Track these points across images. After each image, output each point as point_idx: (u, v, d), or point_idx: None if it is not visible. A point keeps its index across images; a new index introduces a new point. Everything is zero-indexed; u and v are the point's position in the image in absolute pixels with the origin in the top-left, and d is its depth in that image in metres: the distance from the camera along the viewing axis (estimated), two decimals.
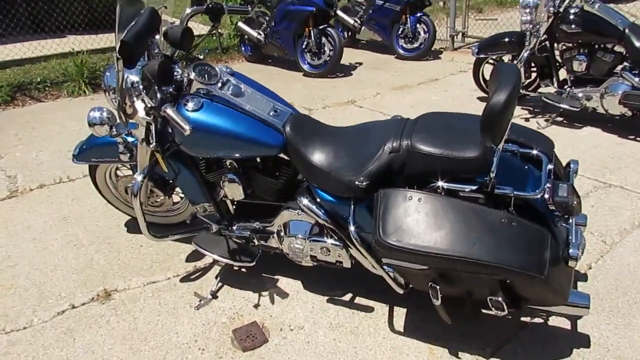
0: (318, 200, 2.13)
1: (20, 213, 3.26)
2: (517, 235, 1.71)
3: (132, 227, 3.01)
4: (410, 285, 2.07)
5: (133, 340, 2.20)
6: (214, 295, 2.44)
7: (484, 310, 2.04)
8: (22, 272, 2.68)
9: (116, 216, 3.12)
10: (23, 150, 4.24)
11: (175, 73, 2.18)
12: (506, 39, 4.53)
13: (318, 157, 2.08)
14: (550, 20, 4.20)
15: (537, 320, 2.20)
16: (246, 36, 6.78)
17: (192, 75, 2.13)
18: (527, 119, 4.53)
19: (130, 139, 2.41)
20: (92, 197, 3.29)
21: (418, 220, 1.77)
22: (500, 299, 1.75)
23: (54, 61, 6.31)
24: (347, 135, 2.16)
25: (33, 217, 3.21)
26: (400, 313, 2.28)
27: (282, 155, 2.23)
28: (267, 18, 6.48)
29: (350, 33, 7.55)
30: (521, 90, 4.55)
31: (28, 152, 4.21)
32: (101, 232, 3.01)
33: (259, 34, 6.50)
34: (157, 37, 2.24)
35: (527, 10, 4.19)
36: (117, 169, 2.85)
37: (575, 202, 1.86)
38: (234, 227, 2.43)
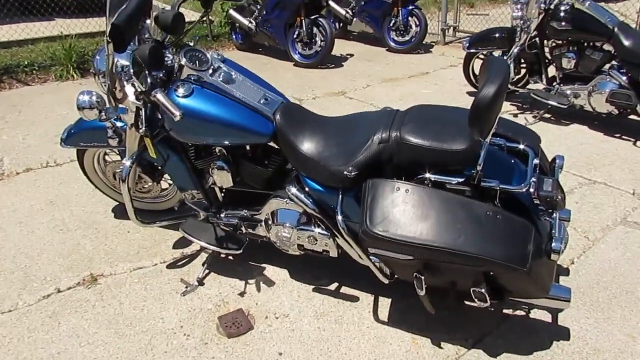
0: (307, 189, 2.14)
1: (6, 196, 3.23)
2: (501, 227, 1.74)
3: (119, 212, 3.00)
4: (396, 276, 2.10)
5: (118, 325, 2.20)
6: (201, 282, 2.44)
7: (467, 302, 2.07)
8: (7, 255, 2.66)
9: (104, 201, 3.10)
10: (10, 134, 4.20)
11: (166, 58, 2.17)
12: (497, 35, 4.55)
13: (307, 146, 2.08)
14: (540, 16, 4.22)
15: (519, 312, 2.24)
16: (237, 24, 6.73)
17: (183, 61, 2.12)
18: (515, 115, 4.57)
19: (119, 124, 2.40)
20: (79, 181, 3.27)
21: (405, 211, 1.79)
22: (483, 290, 1.78)
23: (41, 44, 6.22)
24: (337, 125, 2.17)
25: (19, 200, 3.18)
26: (385, 303, 2.31)
27: (271, 143, 2.23)
28: (259, 6, 6.44)
29: (342, 24, 7.52)
30: (510, 86, 4.59)
31: (15, 135, 4.17)
32: (88, 217, 3.00)
33: (250, 22, 6.46)
34: (148, 21, 2.22)
35: (518, 7, 4.22)
36: (105, 153, 2.83)
37: (559, 197, 1.89)
38: (222, 215, 2.43)
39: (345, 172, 1.95)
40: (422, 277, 1.85)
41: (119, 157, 2.80)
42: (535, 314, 2.23)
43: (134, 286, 2.44)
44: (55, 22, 6.82)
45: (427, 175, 1.90)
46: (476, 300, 1.83)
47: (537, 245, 1.75)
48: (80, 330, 2.18)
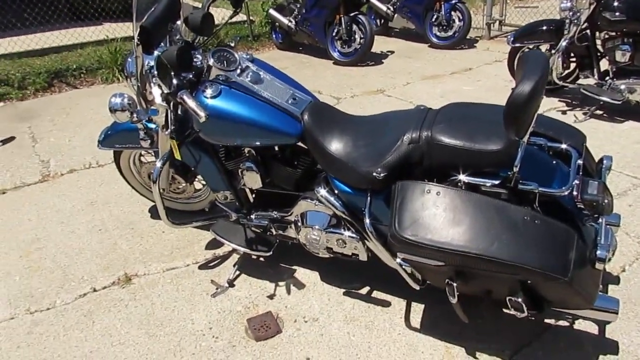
0: (335, 191, 2.08)
1: (50, 197, 3.34)
2: (540, 233, 1.62)
3: (155, 213, 3.04)
4: (427, 282, 2.01)
5: (149, 325, 2.22)
6: (231, 284, 2.43)
7: (504, 310, 1.95)
8: (48, 254, 2.74)
9: (141, 202, 3.15)
10: (57, 136, 4.35)
11: (195, 59, 2.16)
12: (544, 27, 4.34)
13: (336, 146, 2.03)
14: (592, 7, 3.99)
15: (562, 322, 2.10)
16: (277, 23, 6.74)
17: (211, 62, 2.11)
18: (564, 112, 4.35)
19: (151, 126, 2.41)
20: (118, 182, 3.34)
21: (436, 215, 1.70)
22: (520, 299, 1.67)
23: (89, 48, 6.43)
24: (367, 124, 2.10)
25: (62, 201, 3.28)
26: (417, 309, 2.23)
27: (300, 144, 2.19)
28: (299, 5, 6.42)
29: (382, 21, 7.42)
30: (559, 82, 4.37)
31: (62, 137, 4.31)
32: (125, 217, 3.05)
33: (290, 21, 6.45)
34: (179, 22, 2.22)
35: None
36: (141, 154, 2.87)
37: (606, 201, 1.76)
38: (253, 216, 2.41)
39: (374, 174, 1.88)
40: (455, 285, 1.76)
41: (154, 158, 2.84)
42: (581, 324, 2.09)
43: (166, 286, 2.45)
44: (103, 27, 7.05)
45: (460, 177, 1.80)
46: (513, 310, 1.72)
47: (580, 252, 1.62)
48: (113, 329, 2.21)
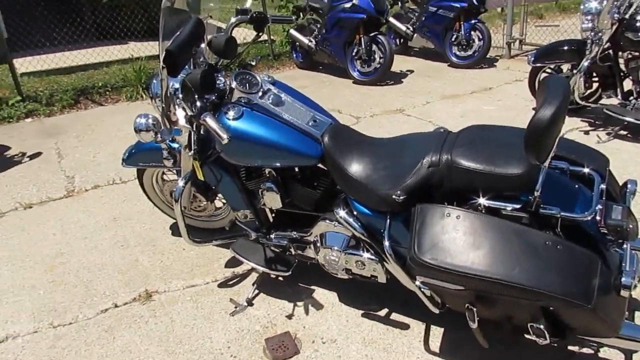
0: (355, 212, 2.09)
1: (75, 212, 3.41)
2: (562, 259, 1.60)
3: (176, 230, 3.08)
4: (447, 305, 1.99)
5: (169, 342, 2.24)
6: (250, 303, 2.44)
7: (526, 336, 1.93)
8: (72, 269, 2.79)
9: (162, 219, 3.20)
10: (82, 152, 4.45)
11: (218, 82, 2.21)
12: (565, 47, 4.32)
13: (355, 168, 2.04)
14: (614, 27, 3.97)
15: (586, 350, 2.06)
16: (297, 43, 6.83)
17: (234, 84, 2.15)
18: (586, 132, 4.30)
19: (174, 145, 2.46)
20: (141, 199, 3.39)
21: (455, 239, 1.70)
22: (542, 326, 1.64)
23: (115, 67, 6.61)
24: (386, 147, 2.11)
25: (86, 216, 3.35)
26: (437, 333, 2.21)
27: (320, 165, 2.21)
28: (319, 25, 6.51)
29: (402, 40, 7.47)
30: (581, 102, 4.33)
31: (87, 153, 4.41)
32: (147, 234, 3.10)
33: (310, 41, 6.54)
34: (203, 45, 2.28)
35: (589, 17, 3.99)
36: (163, 173, 2.92)
37: (631, 226, 1.73)
38: (272, 236, 2.43)
39: (393, 196, 1.89)
40: (475, 309, 1.75)
41: (176, 177, 2.88)
42: (606, 352, 2.04)
43: (186, 304, 2.48)
44: (128, 46, 7.23)
45: (480, 200, 1.80)
46: (535, 336, 1.70)
47: (605, 279, 1.60)
48: (133, 345, 2.23)
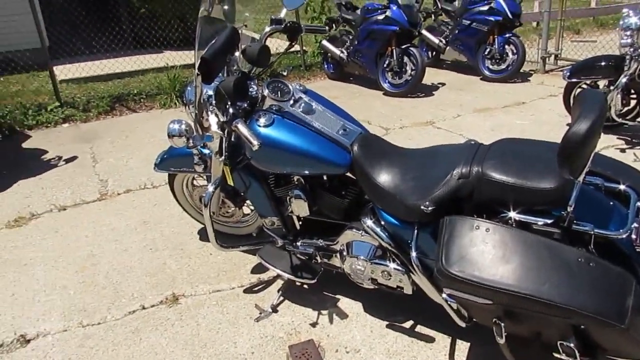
0: (382, 222, 2.09)
1: (107, 215, 3.49)
2: (595, 277, 1.56)
3: (204, 235, 3.12)
4: (474, 319, 1.96)
5: (194, 346, 2.26)
6: (274, 309, 2.45)
7: (555, 354, 1.87)
8: (102, 271, 2.85)
9: (191, 224, 3.25)
10: (116, 157, 4.56)
11: (250, 89, 2.24)
12: (602, 63, 4.23)
13: (384, 178, 2.04)
14: None
15: None
16: (329, 54, 6.88)
17: (266, 92, 2.19)
18: (622, 150, 4.19)
19: (206, 151, 2.51)
20: (171, 204, 3.46)
21: (484, 252, 1.67)
22: (572, 345, 1.60)
23: (150, 75, 6.78)
24: (416, 157, 2.10)
25: (117, 219, 3.43)
26: (462, 347, 2.17)
27: (349, 174, 2.22)
28: (351, 37, 6.55)
29: (434, 53, 7.45)
30: (618, 119, 4.23)
31: (120, 158, 4.52)
32: (176, 238, 3.15)
33: (342, 52, 6.57)
34: (237, 54, 2.32)
35: (628, 33, 3.91)
36: (193, 178, 2.97)
37: None
38: (299, 243, 2.44)
39: (421, 207, 1.87)
40: (502, 324, 1.71)
41: (205, 182, 2.93)
42: None
43: (212, 308, 2.50)
44: (163, 55, 7.41)
45: (511, 214, 1.77)
46: (564, 355, 1.65)
47: (639, 299, 1.55)
48: (159, 347, 2.26)
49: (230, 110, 2.06)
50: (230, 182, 2.23)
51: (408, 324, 2.33)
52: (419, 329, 2.30)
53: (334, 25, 6.76)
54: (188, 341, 2.29)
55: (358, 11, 6.47)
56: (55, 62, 6.60)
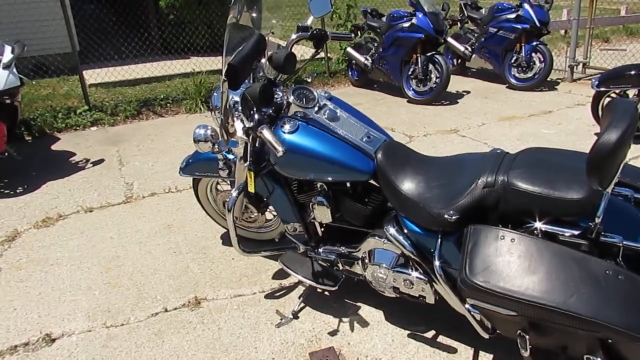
0: (405, 230, 2.07)
1: (132, 218, 3.55)
2: (624, 289, 1.52)
3: (227, 239, 3.15)
4: (497, 331, 1.93)
5: (215, 350, 2.28)
6: (295, 315, 2.45)
7: None
8: (126, 272, 2.90)
9: (214, 228, 3.28)
10: (142, 160, 4.64)
11: (276, 96, 2.26)
12: (632, 72, 4.15)
13: (408, 186, 2.03)
14: None
15: None
16: (354, 61, 6.89)
17: (291, 99, 2.20)
18: None
19: (230, 156, 2.53)
20: (194, 208, 3.49)
21: (509, 262, 1.65)
22: (599, 359, 1.56)
23: (176, 80, 6.87)
24: (440, 165, 2.09)
25: (142, 222, 3.48)
26: (485, 359, 2.13)
27: (372, 181, 2.21)
28: (376, 44, 6.55)
29: (460, 60, 7.40)
30: None
31: (146, 162, 4.60)
32: (199, 242, 3.18)
33: (367, 59, 6.57)
34: (263, 60, 2.34)
35: None
36: (217, 183, 3.00)
37: None
38: (320, 250, 2.44)
39: (445, 216, 1.86)
40: (527, 337, 1.68)
41: (229, 187, 2.96)
42: None
43: (233, 313, 2.52)
44: (190, 60, 7.52)
45: (537, 224, 1.74)
46: None
47: None
48: (181, 350, 2.28)
49: (256, 116, 2.07)
50: (251, 188, 2.25)
51: (430, 334, 2.31)
52: (441, 339, 2.27)
53: (359, 32, 6.78)
54: (209, 345, 2.31)
55: (384, 18, 6.48)
56: (85, 67, 6.75)
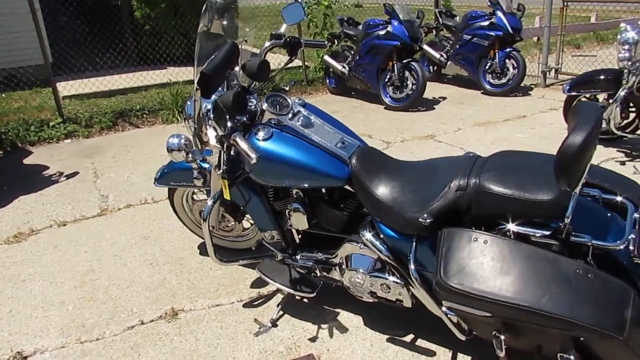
0: (381, 235, 2.08)
1: (107, 230, 3.49)
2: (593, 288, 1.55)
3: (204, 249, 3.12)
4: (474, 332, 1.94)
5: None
6: (274, 324, 2.44)
7: None
8: (101, 285, 2.85)
9: (191, 239, 3.25)
10: (117, 172, 4.58)
11: (249, 104, 2.26)
12: (601, 77, 4.25)
13: (382, 191, 2.04)
14: None
15: None
16: (331, 69, 6.93)
17: (265, 106, 2.20)
18: (622, 163, 4.19)
19: (205, 165, 2.52)
20: (171, 218, 3.45)
21: (483, 264, 1.67)
22: (572, 357, 1.59)
23: (153, 90, 6.82)
24: (414, 170, 2.11)
25: (118, 234, 3.43)
26: None
27: (347, 187, 2.22)
28: (352, 52, 6.60)
29: (435, 67, 7.49)
30: (617, 132, 4.24)
31: (121, 173, 4.54)
32: (176, 253, 3.14)
33: (344, 67, 6.62)
34: (237, 68, 2.34)
35: (626, 47, 3.94)
36: (193, 193, 2.98)
37: None
38: (298, 257, 2.43)
39: (419, 220, 1.87)
40: (502, 337, 1.70)
41: (205, 197, 2.93)
42: None
43: (211, 323, 2.49)
44: (167, 70, 7.47)
45: (509, 226, 1.76)
46: None
47: (638, 311, 1.53)
48: None
49: (229, 124, 2.07)
50: (227, 196, 2.23)
51: (408, 338, 2.31)
52: (420, 342, 2.28)
53: (335, 40, 6.82)
54: (187, 356, 2.28)
55: (360, 27, 6.53)
56: (58, 79, 6.65)
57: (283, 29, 2.44)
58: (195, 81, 1.98)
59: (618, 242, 1.64)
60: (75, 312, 2.62)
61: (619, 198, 1.84)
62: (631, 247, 1.65)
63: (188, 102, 2.45)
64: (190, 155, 2.27)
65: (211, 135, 2.10)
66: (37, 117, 5.88)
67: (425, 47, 7.04)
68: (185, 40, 7.97)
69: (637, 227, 1.73)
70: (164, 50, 7.70)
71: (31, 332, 2.48)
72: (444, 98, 6.67)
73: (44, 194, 4.13)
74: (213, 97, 2.13)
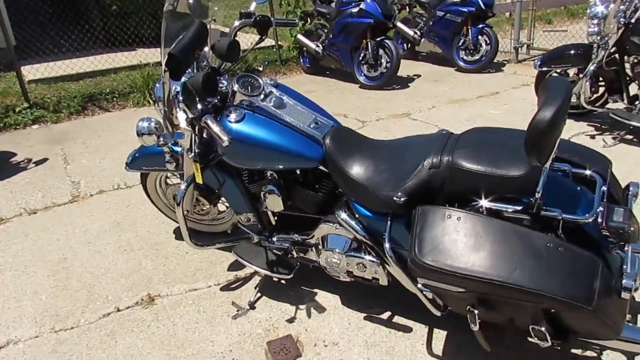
0: (356, 215, 2.09)
1: (79, 217, 3.43)
2: (563, 261, 1.58)
3: (179, 234, 3.09)
4: (449, 308, 1.98)
5: (170, 346, 2.24)
6: (252, 306, 2.44)
7: (528, 339, 1.90)
8: (75, 273, 2.80)
9: (166, 223, 3.21)
10: (88, 158, 4.48)
11: (220, 85, 2.21)
12: (572, 52, 4.30)
13: (356, 170, 2.03)
14: (620, 31, 3.94)
15: (589, 353, 2.03)
16: (305, 48, 6.85)
17: (236, 87, 2.16)
18: (592, 136, 4.27)
19: (177, 149, 2.47)
20: (145, 204, 3.40)
21: (456, 240, 1.69)
22: (543, 328, 1.62)
23: (123, 73, 6.65)
24: (388, 149, 2.11)
25: (90, 221, 3.36)
26: (440, 336, 2.19)
27: (322, 167, 2.21)
28: (326, 30, 6.53)
29: (409, 45, 7.47)
30: (587, 106, 4.31)
31: (92, 159, 4.44)
32: (150, 238, 3.10)
33: (317, 46, 6.55)
34: (206, 49, 2.29)
35: (595, 22, 3.96)
36: (166, 177, 2.93)
37: (632, 228, 1.71)
38: (274, 239, 2.43)
39: (394, 198, 1.88)
40: (476, 312, 1.73)
41: (179, 181, 2.89)
42: (609, 355, 2.02)
43: (188, 308, 2.47)
44: (136, 52, 7.29)
45: (482, 202, 1.78)
46: (536, 339, 1.68)
47: (606, 281, 1.58)
48: (135, 350, 2.23)
49: (199, 107, 2.02)
50: (199, 180, 2.20)
51: (385, 315, 2.34)
52: (397, 319, 2.31)
53: (309, 19, 6.74)
54: (165, 342, 2.27)
55: (333, 4, 6.45)
56: (22, 62, 6.42)
57: (253, 7, 2.39)
58: (163, 63, 1.93)
59: (587, 215, 1.67)
60: (48, 302, 2.58)
61: (588, 172, 1.87)
62: (600, 220, 1.69)
63: (157, 85, 2.40)
64: (161, 139, 2.22)
65: (181, 118, 2.06)
66: (2, 103, 5.68)
67: (399, 24, 7.01)
68: (154, 21, 7.76)
69: (605, 200, 1.76)
70: (132, 31, 7.49)
71: (4, 323, 2.43)
72: (419, 76, 6.68)
73: (12, 182, 4.02)
74: (182, 78, 2.08)
